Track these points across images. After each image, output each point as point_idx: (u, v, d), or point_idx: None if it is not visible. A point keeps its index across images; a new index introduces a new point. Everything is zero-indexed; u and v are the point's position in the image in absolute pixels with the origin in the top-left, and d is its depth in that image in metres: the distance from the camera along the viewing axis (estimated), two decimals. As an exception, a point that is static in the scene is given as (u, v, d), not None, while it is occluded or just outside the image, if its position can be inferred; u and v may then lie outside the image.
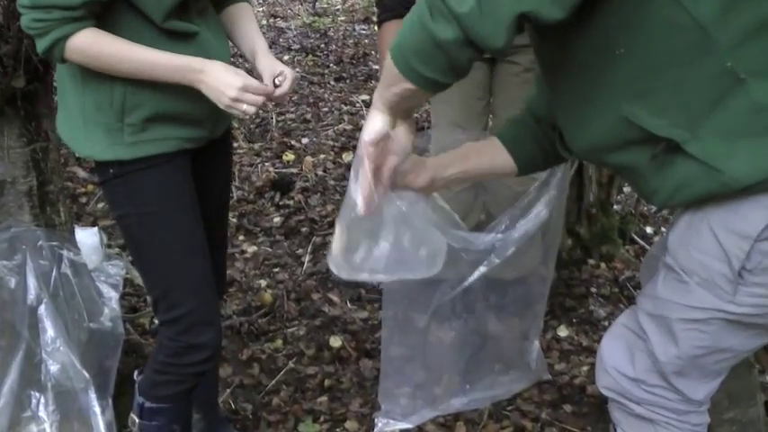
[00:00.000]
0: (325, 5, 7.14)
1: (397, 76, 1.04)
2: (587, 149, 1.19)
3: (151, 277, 1.49)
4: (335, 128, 4.12)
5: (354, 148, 4.04)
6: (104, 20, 1.34)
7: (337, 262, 1.22)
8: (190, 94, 1.40)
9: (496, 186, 2.11)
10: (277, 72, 1.42)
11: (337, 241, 1.22)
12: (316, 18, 6.54)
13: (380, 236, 1.19)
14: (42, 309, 1.66)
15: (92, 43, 1.32)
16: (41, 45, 1.33)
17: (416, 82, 1.02)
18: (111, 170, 1.43)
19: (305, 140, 3.95)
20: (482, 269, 1.42)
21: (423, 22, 0.99)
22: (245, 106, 1.35)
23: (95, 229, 2.36)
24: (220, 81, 1.34)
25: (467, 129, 2.09)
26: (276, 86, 1.41)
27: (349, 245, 1.21)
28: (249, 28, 1.54)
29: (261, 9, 6.95)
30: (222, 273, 1.74)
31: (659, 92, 1.06)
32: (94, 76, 1.37)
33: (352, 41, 5.79)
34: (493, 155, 1.35)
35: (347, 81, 4.92)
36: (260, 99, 1.36)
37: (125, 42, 1.34)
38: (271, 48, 1.78)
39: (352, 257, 1.20)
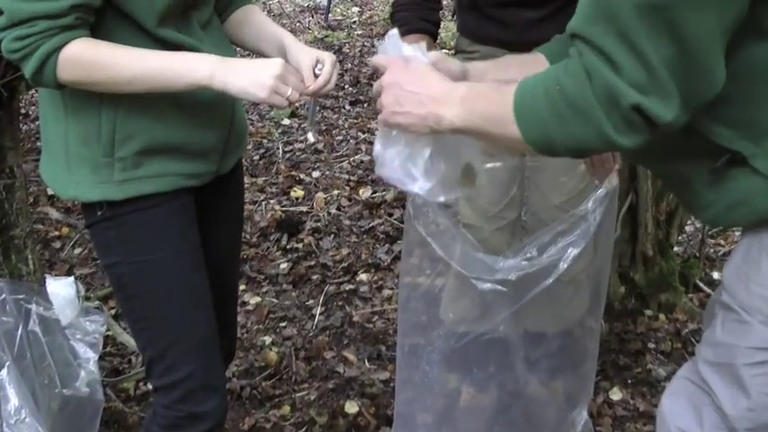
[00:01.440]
0: (340, 18, 7.31)
1: (508, 120, 1.15)
2: (641, 152, 1.25)
3: (145, 335, 1.49)
4: (351, 159, 4.20)
5: (373, 181, 4.07)
6: (94, 31, 1.33)
7: (378, 154, 1.31)
8: (193, 120, 1.43)
9: (535, 204, 2.13)
10: (314, 59, 1.45)
11: (380, 135, 1.31)
12: (329, 33, 6.70)
13: (420, 139, 1.28)
14: (4, 374, 1.61)
15: (85, 49, 1.30)
16: (30, 67, 1.29)
17: (537, 145, 1.15)
18: (100, 212, 1.43)
19: (316, 174, 4.04)
20: (510, 308, 1.48)
21: (597, 127, 1.08)
22: (290, 91, 1.35)
23: (71, 278, 2.28)
24: (254, 67, 1.34)
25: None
26: (316, 77, 1.44)
27: (390, 140, 1.29)
28: (267, 24, 1.58)
29: (265, 24, 7.17)
30: (232, 332, 1.74)
31: (733, 103, 1.12)
32: (80, 102, 1.37)
33: (369, 58, 5.91)
34: (537, 70, 1.41)
35: (365, 105, 5.03)
36: (301, 85, 1.39)
37: (125, 47, 1.32)
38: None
39: (391, 152, 1.30)
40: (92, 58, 1.31)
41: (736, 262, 1.22)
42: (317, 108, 1.56)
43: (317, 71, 1.44)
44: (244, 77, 1.33)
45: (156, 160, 1.43)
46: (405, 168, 1.29)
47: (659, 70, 1.03)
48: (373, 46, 6.34)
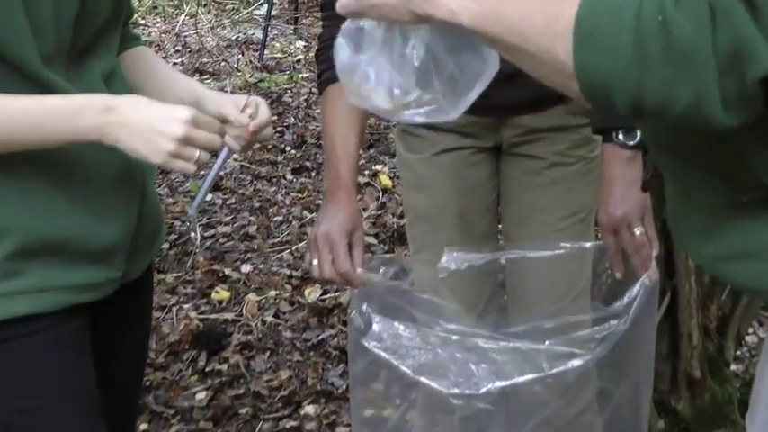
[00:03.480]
0: (279, 55, 7.48)
1: (556, 35, 1.08)
2: (660, 145, 1.32)
3: None
4: (294, 248, 4.27)
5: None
6: None
7: (343, 67, 1.29)
8: (85, 205, 1.46)
9: (526, 226, 2.23)
10: (241, 104, 1.52)
11: (343, 35, 1.29)
12: (264, 76, 6.85)
13: (406, 32, 1.23)
14: None
15: None
16: None
17: (590, 84, 1.08)
18: None
19: (246, 268, 4.10)
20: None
21: (698, 90, 1.02)
22: (197, 153, 1.40)
23: None
24: (152, 116, 1.38)
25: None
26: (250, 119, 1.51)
27: (358, 40, 1.27)
28: (167, 69, 1.66)
29: (178, 61, 7.30)
30: None
31: None
32: None
33: (319, 111, 6.03)
34: None
35: (312, 173, 5.14)
36: (216, 138, 1.43)
37: None
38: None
39: (364, 60, 1.27)
40: None
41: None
42: (226, 162, 1.60)
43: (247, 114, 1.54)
44: (137, 136, 1.38)
45: (33, 267, 1.45)
46: (388, 81, 1.24)
47: None
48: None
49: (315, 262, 1.92)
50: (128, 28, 1.72)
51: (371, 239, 4.27)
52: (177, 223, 4.53)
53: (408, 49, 1.24)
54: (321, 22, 2.21)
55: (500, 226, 2.35)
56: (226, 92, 6.46)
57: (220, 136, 1.49)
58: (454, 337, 1.86)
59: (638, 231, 1.90)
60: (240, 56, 7.43)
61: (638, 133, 1.87)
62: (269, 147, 5.48)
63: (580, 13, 1.05)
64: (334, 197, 1.96)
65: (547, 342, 1.81)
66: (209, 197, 4.76)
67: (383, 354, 1.84)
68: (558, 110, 2.13)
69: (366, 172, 4.94)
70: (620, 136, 1.90)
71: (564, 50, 1.06)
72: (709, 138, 1.15)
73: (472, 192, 2.25)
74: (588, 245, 2.05)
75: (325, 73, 2.09)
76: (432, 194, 2.25)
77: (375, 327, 1.87)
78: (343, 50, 1.29)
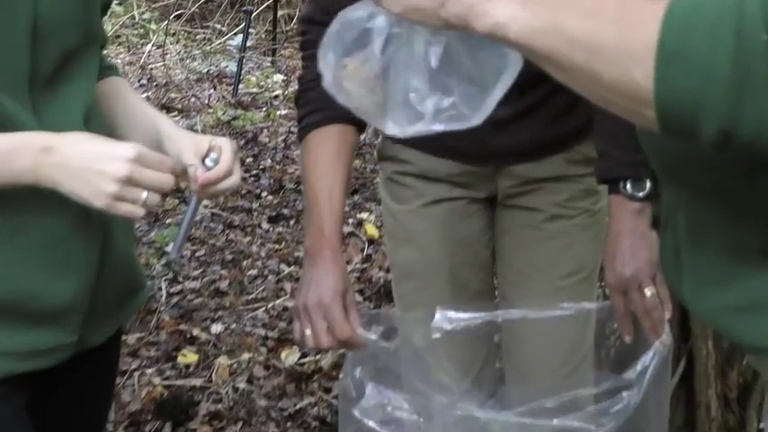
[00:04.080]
0: (255, 90, 7.51)
1: (632, 54, 1.05)
2: (684, 180, 1.32)
3: None
4: (270, 306, 4.27)
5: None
6: None
7: (325, 61, 1.27)
8: (32, 256, 1.44)
9: (524, 285, 2.25)
10: (204, 147, 1.52)
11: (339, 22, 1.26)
12: (238, 113, 6.86)
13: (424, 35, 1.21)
14: None
15: None
16: None
17: (676, 109, 1.05)
18: None
19: (216, 328, 4.08)
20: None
21: None
22: (144, 194, 1.40)
23: None
24: (93, 155, 1.38)
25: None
26: (208, 169, 1.51)
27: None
28: (137, 103, 1.67)
29: (146, 95, 7.29)
30: None
31: None
32: None
33: (300, 152, 6.01)
34: None
35: (291, 222, 5.15)
36: (167, 177, 1.43)
37: None
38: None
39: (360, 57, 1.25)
40: None
41: None
42: (196, 212, 1.60)
43: (208, 162, 1.53)
44: (76, 177, 1.38)
45: None
46: (403, 87, 1.22)
47: None
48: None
49: (308, 332, 1.92)
50: (102, 56, 1.73)
51: (357, 296, 4.27)
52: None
53: (421, 48, 1.22)
54: (301, 63, 2.23)
55: (496, 283, 2.36)
56: (195, 130, 6.52)
57: (176, 175, 1.49)
58: (455, 411, 1.86)
59: (648, 292, 1.90)
60: (212, 91, 7.44)
61: (648, 184, 1.88)
62: (243, 192, 5.48)
63: (665, 28, 1.02)
64: (318, 257, 1.97)
65: (555, 420, 1.81)
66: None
67: (376, 427, 1.84)
68: (558, 158, 2.15)
69: (350, 220, 4.95)
70: (629, 186, 1.91)
71: (642, 71, 1.03)
72: (758, 172, 1.14)
73: (465, 246, 2.27)
74: (591, 306, 2.06)
75: (307, 117, 2.12)
76: (421, 249, 2.26)
77: (368, 395, 1.88)
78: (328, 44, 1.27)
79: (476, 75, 1.22)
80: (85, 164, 1.38)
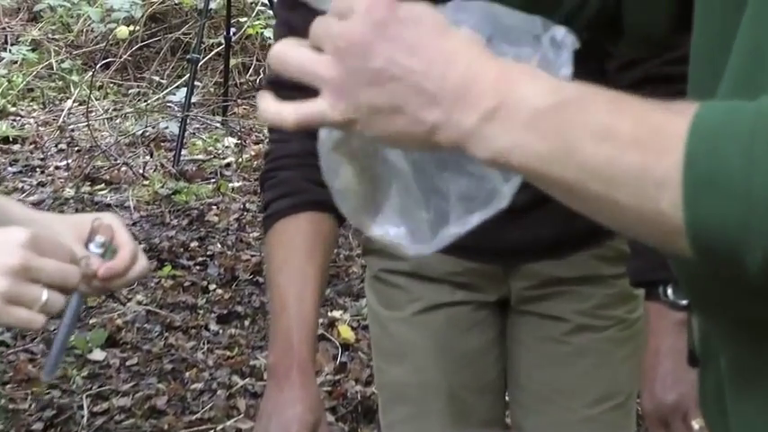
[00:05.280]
0: (201, 157, 7.50)
1: (658, 181, 1.08)
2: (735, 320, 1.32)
3: None
4: (219, 428, 4.25)
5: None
6: None
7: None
8: None
9: (543, 413, 2.24)
10: (86, 230, 1.51)
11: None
12: (180, 185, 6.85)
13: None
14: None
15: None
16: None
17: (712, 242, 1.08)
18: None
19: (153, 457, 4.08)
20: None
21: None
22: (44, 293, 1.37)
23: None
24: None
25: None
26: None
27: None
28: None
29: (62, 164, 7.30)
30: None
31: None
32: None
33: (256, 234, 6.05)
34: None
35: (245, 322, 5.14)
36: (72, 270, 1.40)
37: None
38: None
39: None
40: None
41: None
42: (78, 316, 1.57)
43: (93, 248, 1.51)
44: None
45: None
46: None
47: None
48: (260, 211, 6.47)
49: None
50: None
51: (327, 414, 4.25)
52: (56, 393, 4.49)
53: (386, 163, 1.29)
54: (268, 135, 2.24)
55: (507, 410, 2.35)
56: (127, 207, 6.51)
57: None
58: None
59: (696, 425, 1.89)
60: (148, 158, 7.42)
61: None
62: (186, 284, 5.49)
63: (690, 146, 1.05)
64: (284, 379, 1.96)
65: None
66: (100, 355, 4.73)
67: None
68: (585, 254, 2.15)
69: (320, 320, 4.92)
70: (670, 292, 1.90)
71: (669, 199, 1.06)
72: None
73: (469, 364, 2.26)
74: None
75: (274, 203, 2.12)
76: (415, 367, 2.25)
77: None
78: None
79: (447, 198, 1.29)
80: None
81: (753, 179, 1.03)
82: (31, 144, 7.61)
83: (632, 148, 1.09)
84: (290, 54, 1.24)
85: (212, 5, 7.98)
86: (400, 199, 1.29)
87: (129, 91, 8.75)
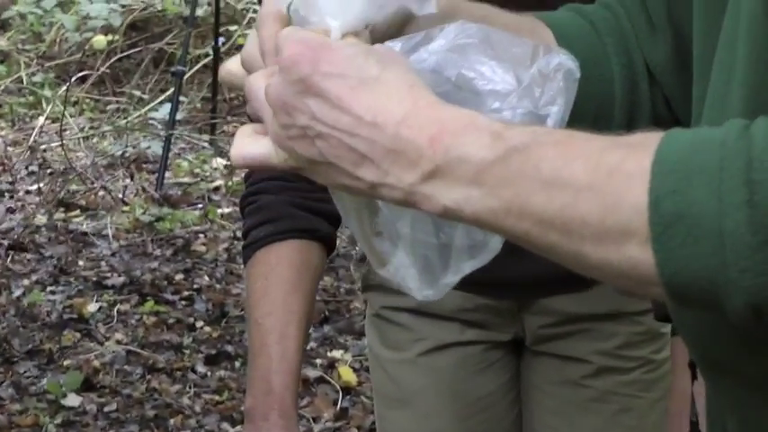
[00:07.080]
0: (187, 181, 7.51)
1: (623, 228, 1.10)
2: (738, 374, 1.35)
3: None
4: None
5: None
6: None
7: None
8: None
9: None
10: None
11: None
12: (164, 211, 6.85)
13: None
14: None
15: None
16: None
17: (685, 286, 1.10)
18: None
19: None
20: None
21: None
22: None
23: None
24: None
25: None
26: None
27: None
28: None
29: (33, 188, 7.31)
30: None
31: None
32: None
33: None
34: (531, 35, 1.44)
35: (236, 363, 5.14)
36: None
37: None
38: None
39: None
40: None
41: None
42: None
43: None
44: None
45: None
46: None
47: None
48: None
49: None
50: None
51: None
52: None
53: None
54: None
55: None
56: (105, 236, 6.50)
57: None
58: None
59: None
60: (128, 181, 7.42)
61: None
62: (170, 322, 5.50)
63: (654, 184, 1.07)
64: (264, 421, 1.96)
65: None
66: (75, 400, 4.73)
67: None
68: (607, 288, 2.15)
69: (318, 361, 4.94)
70: None
71: (637, 245, 1.08)
72: None
73: (481, 410, 2.27)
74: None
75: (255, 230, 2.13)
76: (420, 414, 2.26)
77: None
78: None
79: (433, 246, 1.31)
80: None
81: (724, 219, 1.04)
82: (-2, 166, 7.61)
83: (588, 194, 1.10)
84: (249, 84, 1.29)
85: (199, 12, 7.99)
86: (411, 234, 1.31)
87: (108, 107, 8.75)
